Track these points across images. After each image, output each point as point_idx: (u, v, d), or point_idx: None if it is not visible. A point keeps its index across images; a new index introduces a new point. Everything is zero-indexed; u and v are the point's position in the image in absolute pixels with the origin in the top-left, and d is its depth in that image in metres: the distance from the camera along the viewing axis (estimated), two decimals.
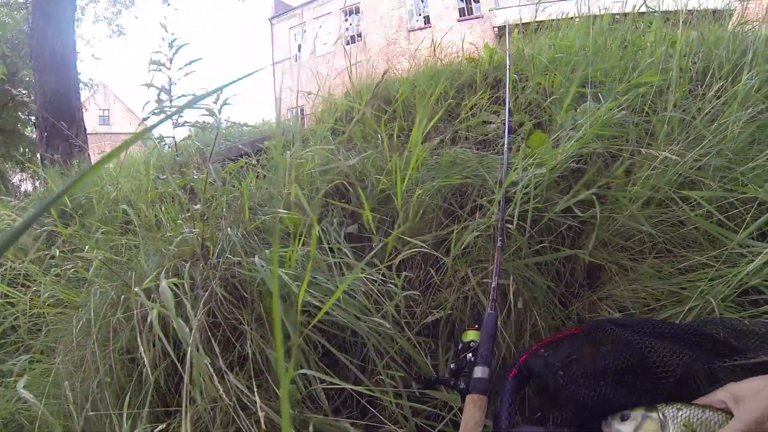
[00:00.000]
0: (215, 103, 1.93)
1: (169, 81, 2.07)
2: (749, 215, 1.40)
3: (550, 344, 1.15)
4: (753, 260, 1.33)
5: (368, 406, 1.32)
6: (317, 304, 1.35)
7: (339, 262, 1.58)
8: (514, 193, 1.43)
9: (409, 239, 1.47)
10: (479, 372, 1.07)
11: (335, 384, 1.25)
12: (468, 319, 1.42)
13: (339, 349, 1.39)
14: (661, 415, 0.89)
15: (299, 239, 1.51)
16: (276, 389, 1.29)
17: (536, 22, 2.72)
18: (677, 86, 1.70)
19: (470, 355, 1.13)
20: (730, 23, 2.61)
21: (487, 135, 1.78)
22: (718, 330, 1.06)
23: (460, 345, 1.18)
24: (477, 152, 1.63)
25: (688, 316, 1.29)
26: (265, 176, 2.18)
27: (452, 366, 1.14)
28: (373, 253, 1.47)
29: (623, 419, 0.91)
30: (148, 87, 2.07)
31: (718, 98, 1.65)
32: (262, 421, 1.19)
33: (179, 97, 2.06)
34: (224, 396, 1.22)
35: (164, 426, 1.24)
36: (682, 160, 1.47)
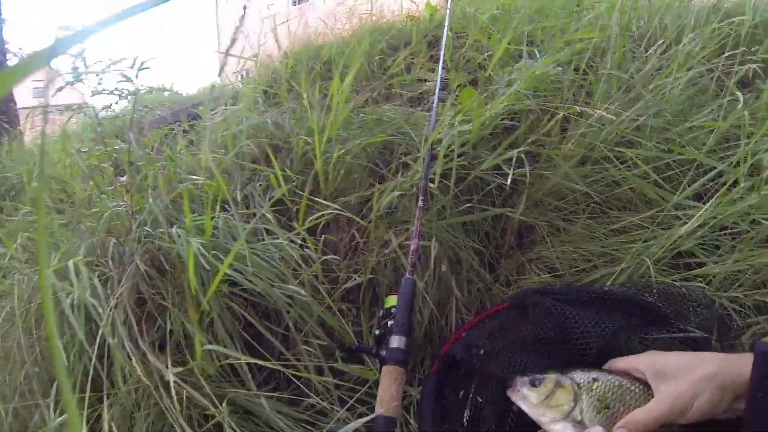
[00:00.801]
0: (131, 68, 1.77)
1: (82, 47, 1.88)
2: (686, 178, 1.33)
3: (475, 325, 1.08)
4: (687, 223, 1.25)
5: (292, 377, 1.23)
6: (231, 273, 1.24)
7: (262, 229, 1.44)
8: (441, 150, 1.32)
9: (324, 202, 1.35)
10: (395, 341, 1.01)
11: (251, 360, 1.17)
12: (391, 283, 1.32)
13: (264, 318, 1.31)
14: (575, 385, 0.83)
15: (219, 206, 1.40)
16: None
17: None
18: (617, 45, 1.60)
19: (391, 321, 1.06)
20: None
21: (422, 93, 1.66)
22: (648, 295, 1.01)
23: (382, 311, 1.11)
24: (405, 109, 1.50)
25: (620, 278, 1.21)
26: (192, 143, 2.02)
27: (376, 332, 1.07)
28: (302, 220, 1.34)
29: (533, 384, 0.85)
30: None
31: (660, 59, 1.57)
32: (175, 399, 1.10)
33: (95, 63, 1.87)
34: (144, 377, 1.13)
35: (91, 411, 1.15)
36: (619, 119, 1.38)
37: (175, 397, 1.08)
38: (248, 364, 1.26)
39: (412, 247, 1.16)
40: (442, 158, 1.30)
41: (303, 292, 1.29)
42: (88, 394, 1.13)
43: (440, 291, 1.28)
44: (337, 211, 1.33)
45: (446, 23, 1.71)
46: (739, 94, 1.38)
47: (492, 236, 1.38)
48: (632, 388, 0.82)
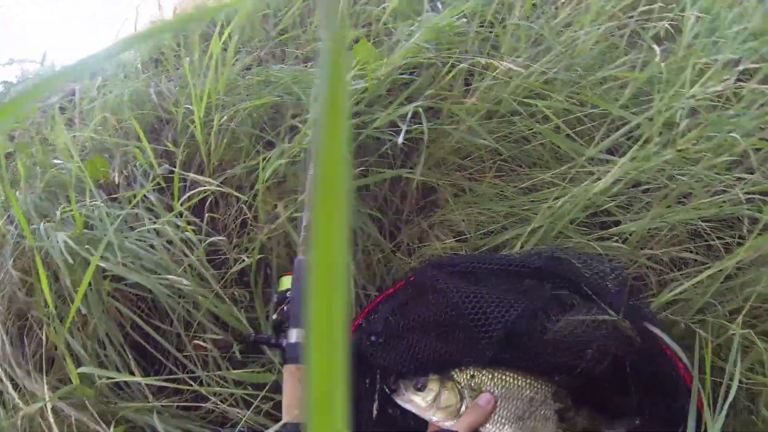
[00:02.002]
0: None
1: None
2: (600, 133, 1.23)
3: (374, 308, 1.01)
4: (601, 179, 1.15)
5: (189, 380, 1.10)
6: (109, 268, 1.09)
7: (143, 215, 1.24)
8: None
9: (200, 178, 1.16)
10: (294, 335, 0.89)
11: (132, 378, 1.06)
12: (284, 262, 1.17)
13: (154, 314, 1.19)
14: (457, 385, 0.87)
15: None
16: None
17: None
18: None
19: (288, 306, 0.95)
20: None
21: (318, 51, 1.48)
22: (559, 262, 0.97)
23: (276, 295, 0.99)
24: (293, 68, 1.33)
25: (532, 239, 1.09)
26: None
27: (273, 318, 0.96)
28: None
29: (418, 389, 0.87)
30: None
31: (570, 13, 1.46)
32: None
33: None
34: (22, 405, 0.99)
35: None
36: (527, 71, 1.26)
37: (55, 428, 0.94)
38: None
39: (303, 222, 1.00)
40: None
41: (185, 282, 1.11)
42: None
43: None
44: (215, 188, 1.15)
45: None
46: (655, 47, 1.29)
47: (391, 201, 1.25)
48: (508, 378, 0.88)
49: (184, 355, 1.14)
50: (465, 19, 1.34)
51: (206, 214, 1.22)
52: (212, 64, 1.26)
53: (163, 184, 1.32)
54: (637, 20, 1.52)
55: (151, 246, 1.18)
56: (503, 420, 0.85)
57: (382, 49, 1.31)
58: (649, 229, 1.19)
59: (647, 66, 1.33)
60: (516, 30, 1.40)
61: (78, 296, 1.00)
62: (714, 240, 1.20)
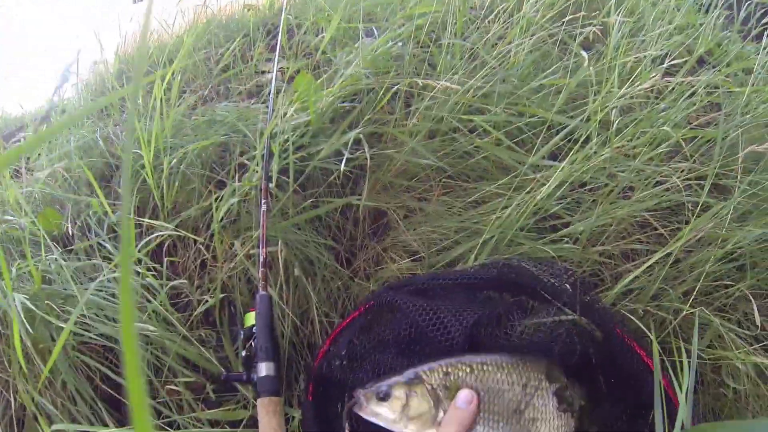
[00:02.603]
0: None
1: None
2: (539, 139, 1.29)
3: (338, 335, 1.00)
4: (546, 183, 1.20)
5: (164, 426, 1.09)
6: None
7: (100, 264, 1.23)
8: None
9: (155, 223, 1.16)
10: (264, 369, 0.91)
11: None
12: (247, 299, 1.17)
13: (121, 364, 1.15)
14: (427, 389, 0.76)
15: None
16: None
17: None
18: (458, 15, 1.52)
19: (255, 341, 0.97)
20: None
21: (260, 85, 1.50)
22: (511, 271, 0.98)
23: (242, 332, 1.00)
24: (237, 105, 1.34)
25: (485, 251, 1.13)
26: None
27: (243, 355, 0.97)
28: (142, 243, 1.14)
29: (381, 398, 0.76)
30: None
31: (503, 27, 1.51)
32: None
33: None
34: None
35: None
36: (464, 87, 1.30)
37: None
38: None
39: (260, 258, 1.02)
40: (278, 154, 1.16)
41: (151, 327, 1.11)
42: None
43: (299, 298, 1.15)
44: (171, 231, 1.15)
45: (284, 5, 1.57)
46: (583, 53, 1.36)
47: (344, 229, 1.27)
48: (490, 367, 0.78)
49: (157, 402, 1.13)
50: (400, 43, 1.38)
51: (165, 259, 1.21)
52: (157, 106, 1.26)
53: (119, 232, 1.31)
54: (565, 29, 1.58)
55: (113, 295, 1.17)
56: (495, 417, 0.75)
57: (323, 79, 1.33)
58: (597, 227, 1.23)
59: (578, 71, 1.39)
60: (450, 48, 1.45)
61: (51, 359, 0.98)
62: (660, 228, 1.26)
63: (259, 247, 1.04)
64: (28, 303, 1.07)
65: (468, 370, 0.76)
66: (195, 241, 1.24)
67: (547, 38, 1.61)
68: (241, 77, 1.58)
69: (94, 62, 2.19)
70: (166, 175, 1.23)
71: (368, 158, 1.14)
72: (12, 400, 1.07)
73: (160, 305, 1.15)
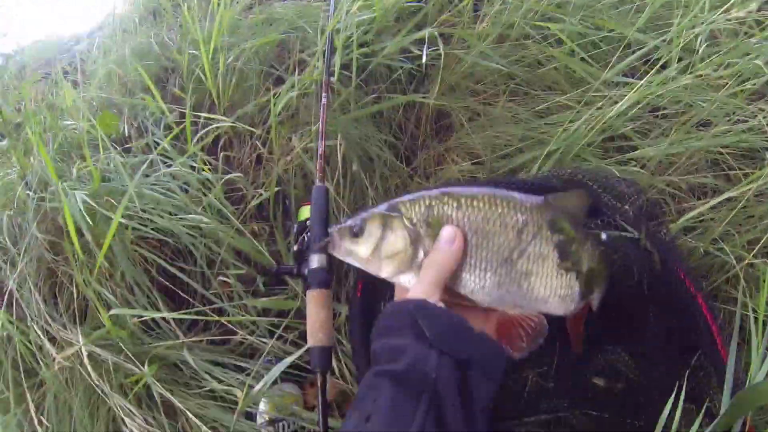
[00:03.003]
0: None
1: None
2: (615, 57, 1.20)
3: None
4: (618, 103, 1.12)
5: (216, 317, 1.10)
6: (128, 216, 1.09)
7: (158, 161, 1.23)
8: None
9: (214, 116, 1.14)
10: (315, 261, 0.87)
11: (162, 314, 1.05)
12: (301, 193, 1.18)
13: (178, 257, 1.18)
14: (407, 222, 0.66)
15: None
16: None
17: None
18: None
19: (308, 235, 0.94)
20: None
21: None
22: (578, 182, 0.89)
23: (296, 226, 0.97)
24: (298, 2, 1.29)
25: (548, 162, 1.07)
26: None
27: (294, 249, 0.94)
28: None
29: (355, 234, 0.67)
30: None
31: None
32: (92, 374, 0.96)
33: None
34: (58, 357, 0.99)
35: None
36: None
37: (92, 372, 0.96)
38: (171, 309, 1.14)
39: (319, 150, 0.98)
40: (341, 49, 1.11)
41: (206, 219, 1.10)
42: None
43: (356, 193, 1.14)
44: (228, 123, 1.12)
45: None
46: None
47: (405, 127, 1.23)
48: (482, 203, 0.66)
49: (210, 293, 1.13)
50: None
51: (221, 153, 1.20)
52: (212, 6, 1.22)
53: (176, 130, 1.31)
54: None
55: (169, 189, 1.17)
56: (482, 264, 0.64)
57: None
58: (667, 155, 1.16)
59: None
60: None
61: (104, 247, 0.99)
62: (735, 169, 1.17)
63: (318, 140, 1.00)
64: (87, 200, 1.08)
65: (455, 204, 0.65)
66: (251, 136, 1.22)
67: None
68: None
69: None
70: (222, 71, 1.21)
71: (442, 56, 1.07)
72: (75, 291, 1.09)
73: (215, 198, 1.14)
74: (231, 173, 1.18)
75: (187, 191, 1.16)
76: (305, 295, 0.87)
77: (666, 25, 1.27)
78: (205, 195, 1.15)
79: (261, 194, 1.14)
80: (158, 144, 1.28)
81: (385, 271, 0.66)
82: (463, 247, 0.63)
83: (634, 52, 1.22)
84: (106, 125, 1.45)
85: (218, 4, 1.25)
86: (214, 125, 1.15)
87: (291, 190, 1.14)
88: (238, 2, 1.37)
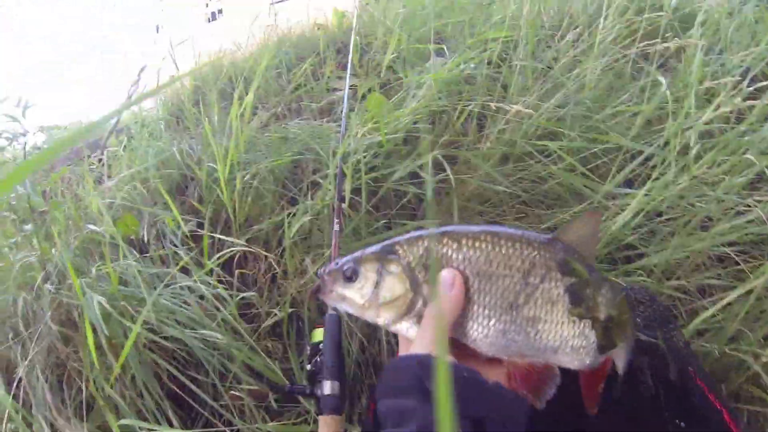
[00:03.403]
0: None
1: None
2: (615, 166, 1.24)
3: None
4: (621, 211, 1.14)
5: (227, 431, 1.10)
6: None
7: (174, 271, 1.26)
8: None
9: (228, 239, 1.17)
10: (327, 388, 0.87)
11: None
12: (315, 315, 1.18)
13: (189, 366, 1.17)
14: (405, 265, 0.59)
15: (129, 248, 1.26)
16: None
17: None
18: (529, 36, 1.48)
19: (321, 358, 0.94)
20: None
21: (331, 103, 1.50)
22: None
23: (309, 347, 0.98)
24: (309, 123, 1.34)
25: None
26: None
27: (308, 368, 0.94)
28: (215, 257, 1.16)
29: (349, 278, 0.61)
30: None
31: (574, 47, 1.46)
32: None
33: None
34: None
35: None
36: (539, 112, 1.26)
37: None
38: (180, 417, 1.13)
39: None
40: (351, 174, 1.14)
41: (219, 336, 1.12)
42: None
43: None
44: (243, 247, 1.16)
45: (354, 25, 1.56)
46: (660, 77, 1.28)
47: None
48: (484, 244, 0.59)
49: (220, 405, 1.13)
50: (472, 65, 1.35)
51: (236, 271, 1.23)
52: (232, 124, 1.28)
53: (191, 244, 1.34)
54: (639, 47, 1.52)
55: (185, 302, 1.19)
56: (484, 311, 0.58)
57: (395, 99, 1.32)
58: (673, 260, 1.15)
59: (654, 94, 1.32)
60: (523, 69, 1.41)
61: (120, 359, 1.01)
62: (741, 264, 1.17)
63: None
64: (104, 303, 1.10)
65: (455, 246, 0.59)
66: (266, 256, 1.24)
67: (620, 57, 1.55)
68: (312, 95, 1.59)
69: (171, 77, 2.26)
70: (239, 189, 1.25)
71: (452, 181, 1.11)
72: (83, 387, 1.09)
73: (230, 315, 1.16)
74: (246, 292, 1.20)
75: (201, 305, 1.19)
76: (318, 419, 0.86)
77: (659, 129, 1.30)
78: (219, 311, 1.17)
79: (275, 314, 1.16)
80: (176, 254, 1.32)
81: (383, 318, 0.59)
82: (464, 292, 0.57)
83: (632, 158, 1.25)
84: (126, 228, 1.49)
85: (236, 119, 1.30)
86: (230, 249, 1.18)
87: (305, 312, 1.16)
88: (254, 120, 1.44)
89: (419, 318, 0.59)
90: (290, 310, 1.17)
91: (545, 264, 0.58)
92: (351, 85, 1.55)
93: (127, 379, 1.10)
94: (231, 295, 1.19)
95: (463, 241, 0.59)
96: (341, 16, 2.00)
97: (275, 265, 1.22)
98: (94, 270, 1.22)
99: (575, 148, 1.24)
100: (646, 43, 1.49)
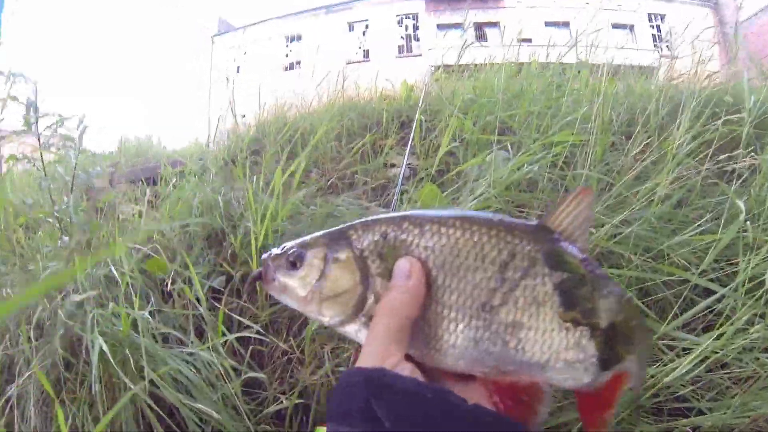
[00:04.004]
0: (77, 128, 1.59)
1: (35, 93, 1.71)
2: (678, 303, 1.09)
3: None
4: (676, 358, 0.99)
5: None
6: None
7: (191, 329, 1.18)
8: None
9: (244, 321, 1.09)
10: None
11: None
12: (322, 410, 1.07)
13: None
14: (356, 254, 0.48)
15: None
16: None
17: (472, 64, 2.39)
18: (599, 140, 1.36)
19: None
20: (657, 77, 2.33)
21: (387, 181, 1.41)
22: None
23: None
24: (359, 203, 1.25)
25: None
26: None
27: None
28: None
29: (292, 263, 0.49)
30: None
31: (642, 153, 1.33)
32: None
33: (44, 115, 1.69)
34: None
35: None
36: (599, 229, 1.13)
37: None
38: None
39: None
40: None
41: (215, 414, 1.02)
42: None
43: None
44: (256, 335, 1.06)
45: (420, 103, 1.49)
46: (740, 203, 1.11)
47: None
48: (453, 230, 0.47)
49: None
50: (536, 167, 1.24)
51: (251, 347, 1.13)
52: (275, 189, 1.20)
53: (220, 297, 1.27)
54: (714, 163, 1.38)
55: (194, 366, 1.11)
56: (450, 313, 0.45)
57: (449, 192, 1.22)
58: (732, 421, 0.97)
59: (731, 218, 1.17)
60: (588, 179, 1.28)
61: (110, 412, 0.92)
62: None
63: (350, 363, 0.91)
64: (105, 350, 1.03)
65: (416, 231, 0.47)
66: (288, 333, 1.15)
67: (696, 174, 1.40)
68: (368, 168, 1.51)
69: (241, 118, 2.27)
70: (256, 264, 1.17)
71: None
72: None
73: (233, 391, 1.06)
74: (256, 371, 1.10)
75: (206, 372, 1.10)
76: None
77: (731, 263, 1.14)
78: (224, 384, 1.07)
79: (281, 402, 1.05)
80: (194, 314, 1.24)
81: (326, 317, 0.47)
82: (425, 286, 0.45)
83: (699, 292, 1.09)
84: (155, 268, 1.45)
85: (279, 185, 1.23)
86: (245, 334, 1.08)
87: (313, 405, 1.05)
88: (304, 186, 1.37)
89: (371, 319, 0.45)
90: (297, 401, 1.06)
91: (528, 255, 0.45)
92: (409, 164, 1.46)
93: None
94: (240, 371, 1.09)
95: (427, 227, 0.47)
96: (410, 90, 1.94)
97: (295, 348, 1.11)
98: (111, 306, 1.17)
99: (634, 280, 1.09)
100: (726, 155, 1.34)
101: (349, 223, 0.49)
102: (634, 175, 1.33)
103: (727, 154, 1.28)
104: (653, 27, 16.39)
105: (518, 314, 0.44)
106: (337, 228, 0.50)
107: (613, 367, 0.46)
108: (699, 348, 0.96)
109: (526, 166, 1.18)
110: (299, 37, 19.75)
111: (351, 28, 19.35)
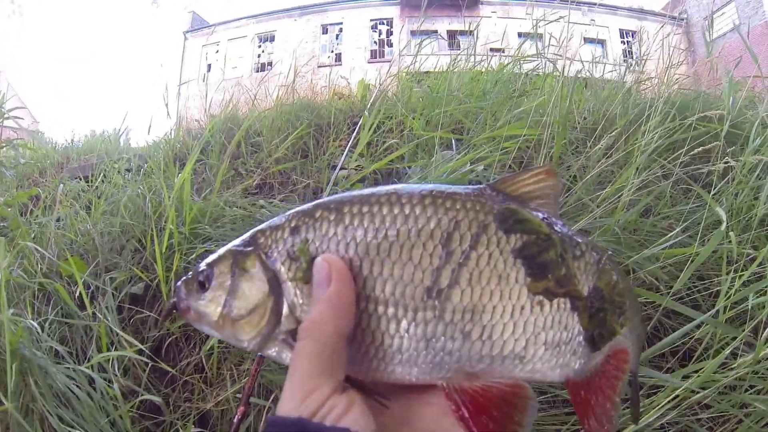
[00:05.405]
0: None
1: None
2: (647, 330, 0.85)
3: None
4: (644, 399, 0.76)
5: None
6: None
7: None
8: None
9: (131, 340, 0.85)
10: None
11: None
12: None
13: None
14: (263, 263, 0.36)
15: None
16: None
17: (439, 71, 2.16)
18: (557, 138, 1.13)
19: None
20: (624, 80, 2.09)
21: (336, 183, 1.17)
22: None
23: None
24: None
25: None
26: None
27: None
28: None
29: (201, 284, 0.38)
30: None
31: (606, 154, 1.09)
32: None
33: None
34: None
35: None
36: None
37: None
38: None
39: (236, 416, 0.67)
40: None
41: None
42: None
43: None
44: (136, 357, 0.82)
45: (369, 102, 1.26)
46: (721, 212, 0.88)
47: None
48: (379, 213, 0.35)
49: None
50: (481, 167, 1.00)
51: (150, 363, 0.90)
52: (179, 194, 0.97)
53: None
54: (685, 167, 1.15)
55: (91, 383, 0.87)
56: (388, 309, 0.34)
57: None
58: None
59: (708, 229, 0.94)
60: None
61: None
62: None
63: (239, 405, 0.68)
64: None
65: (332, 217, 0.36)
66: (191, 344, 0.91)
67: (662, 177, 1.18)
68: (310, 171, 1.26)
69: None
70: (176, 270, 0.93)
71: None
72: None
73: (119, 416, 0.82)
74: (152, 392, 0.86)
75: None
76: None
77: (706, 281, 0.91)
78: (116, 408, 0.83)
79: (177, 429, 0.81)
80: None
81: (244, 340, 0.36)
82: (352, 286, 0.33)
83: (665, 316, 0.86)
84: (68, 269, 1.23)
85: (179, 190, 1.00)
86: (125, 353, 0.84)
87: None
88: (236, 186, 1.14)
89: (293, 335, 0.34)
90: (194, 430, 0.82)
91: (476, 219, 0.34)
92: (356, 166, 1.23)
93: None
94: (134, 393, 0.85)
95: (345, 210, 0.36)
96: (366, 89, 1.70)
97: (203, 362, 0.87)
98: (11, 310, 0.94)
99: None
100: (698, 152, 1.11)
101: (260, 226, 0.39)
102: (596, 178, 1.09)
103: (698, 151, 1.05)
104: (624, 43, 16.17)
105: (475, 294, 0.33)
106: (247, 233, 0.39)
107: (606, 344, 0.35)
108: (672, 389, 0.73)
109: (468, 164, 0.93)
110: (272, 38, 18.82)
111: (325, 30, 18.66)
